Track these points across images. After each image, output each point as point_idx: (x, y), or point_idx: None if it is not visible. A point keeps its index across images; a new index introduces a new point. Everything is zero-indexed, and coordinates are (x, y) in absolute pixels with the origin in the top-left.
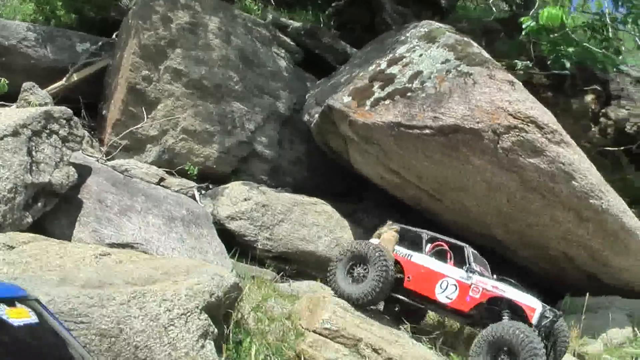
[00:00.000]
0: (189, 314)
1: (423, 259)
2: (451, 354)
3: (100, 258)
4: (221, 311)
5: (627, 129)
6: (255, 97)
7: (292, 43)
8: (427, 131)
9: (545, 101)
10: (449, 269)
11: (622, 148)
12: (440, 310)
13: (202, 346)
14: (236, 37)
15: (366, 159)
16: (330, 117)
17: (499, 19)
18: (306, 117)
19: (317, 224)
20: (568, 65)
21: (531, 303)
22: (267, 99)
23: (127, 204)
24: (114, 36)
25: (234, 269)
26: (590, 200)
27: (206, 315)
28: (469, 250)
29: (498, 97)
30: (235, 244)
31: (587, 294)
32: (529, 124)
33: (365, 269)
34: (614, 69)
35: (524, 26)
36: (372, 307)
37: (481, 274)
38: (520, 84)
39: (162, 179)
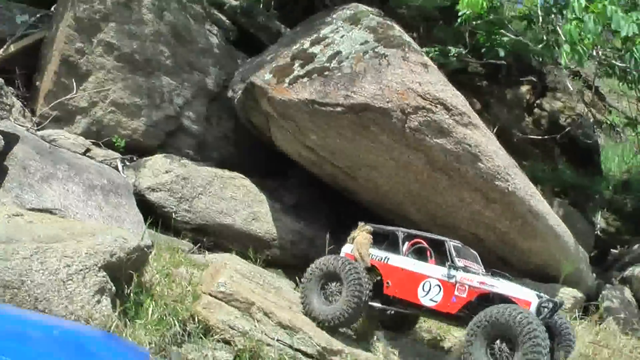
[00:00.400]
0: (87, 270)
1: (401, 261)
2: None
3: (12, 218)
4: (123, 272)
5: (561, 120)
6: (185, 72)
7: (227, 21)
8: (339, 109)
9: (479, 90)
10: (430, 269)
11: (546, 137)
12: (427, 315)
13: (98, 301)
14: (169, 13)
15: (284, 135)
16: (253, 93)
17: (440, 7)
18: (230, 93)
19: (236, 198)
20: (502, 54)
21: (525, 296)
22: (197, 75)
23: (50, 171)
24: (52, 8)
25: (144, 235)
26: (496, 182)
27: (104, 273)
28: (450, 245)
29: (409, 78)
30: (155, 215)
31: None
32: (437, 105)
33: (338, 287)
34: (550, 61)
35: (459, 14)
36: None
37: (466, 270)
38: (435, 67)
39: (88, 150)
